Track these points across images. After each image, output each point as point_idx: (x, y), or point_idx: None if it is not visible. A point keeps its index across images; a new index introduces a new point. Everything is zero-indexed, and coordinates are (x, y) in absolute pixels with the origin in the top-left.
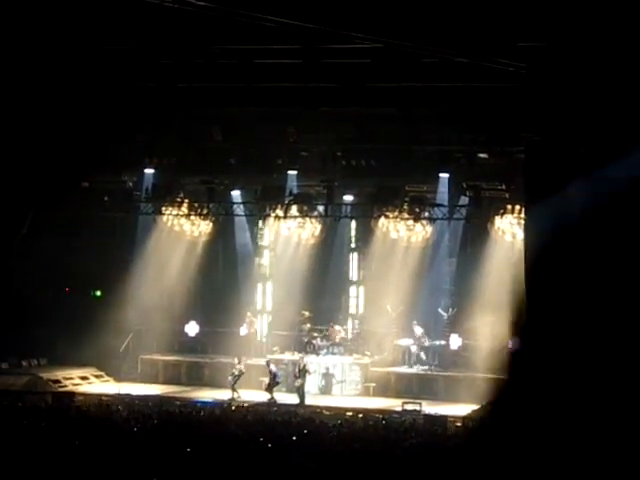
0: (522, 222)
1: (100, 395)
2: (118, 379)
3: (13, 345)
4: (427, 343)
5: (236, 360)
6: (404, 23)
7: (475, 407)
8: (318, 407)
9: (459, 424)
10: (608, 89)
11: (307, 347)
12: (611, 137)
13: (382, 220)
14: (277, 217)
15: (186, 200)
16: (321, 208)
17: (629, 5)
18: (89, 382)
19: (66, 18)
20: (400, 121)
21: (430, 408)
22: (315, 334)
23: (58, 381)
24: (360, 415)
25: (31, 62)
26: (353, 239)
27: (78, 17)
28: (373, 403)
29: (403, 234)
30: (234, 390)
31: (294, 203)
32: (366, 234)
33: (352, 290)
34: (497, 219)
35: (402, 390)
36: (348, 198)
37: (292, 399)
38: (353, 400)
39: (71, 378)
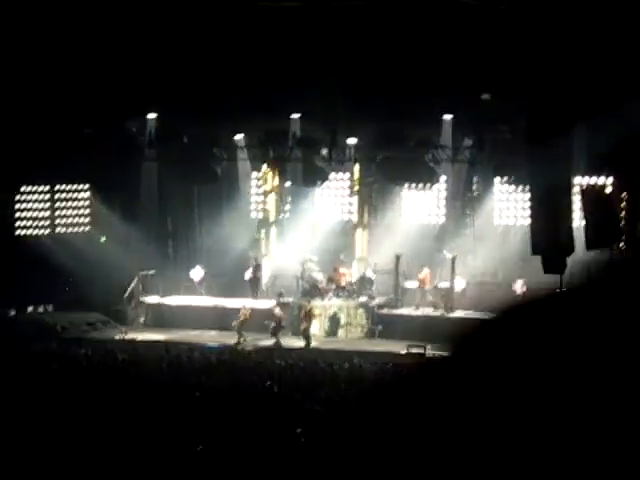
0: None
1: (106, 341)
2: (124, 325)
3: (19, 292)
4: (430, 286)
5: (241, 304)
6: None
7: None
8: (324, 350)
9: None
10: (613, 39)
11: (312, 291)
12: (611, 86)
13: (386, 162)
14: (281, 161)
15: (189, 145)
16: (324, 152)
17: None
18: (95, 328)
19: None
20: (403, 64)
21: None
22: (320, 277)
23: (64, 327)
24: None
25: (38, 13)
26: (357, 182)
27: None
28: (379, 346)
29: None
30: (240, 334)
31: (297, 147)
32: (370, 177)
33: (357, 233)
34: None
35: (407, 333)
36: (351, 141)
37: (298, 343)
38: (359, 343)
39: (78, 325)
